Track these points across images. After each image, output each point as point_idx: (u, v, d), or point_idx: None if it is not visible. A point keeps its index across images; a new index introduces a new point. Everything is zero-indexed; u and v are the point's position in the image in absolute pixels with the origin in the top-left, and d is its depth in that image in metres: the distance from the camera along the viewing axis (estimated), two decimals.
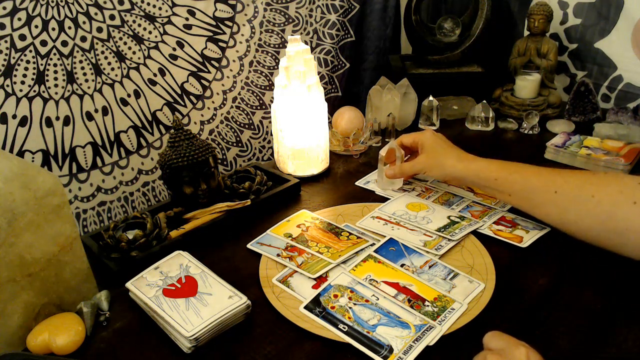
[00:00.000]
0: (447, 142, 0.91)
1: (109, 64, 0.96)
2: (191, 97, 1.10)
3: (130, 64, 0.99)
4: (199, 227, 0.86)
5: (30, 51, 0.87)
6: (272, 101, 1.07)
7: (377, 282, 0.73)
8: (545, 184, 0.74)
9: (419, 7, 1.35)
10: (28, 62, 0.87)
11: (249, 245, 0.84)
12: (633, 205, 0.65)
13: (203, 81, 1.11)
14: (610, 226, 0.68)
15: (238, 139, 1.22)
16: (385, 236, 0.84)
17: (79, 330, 0.65)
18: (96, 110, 0.97)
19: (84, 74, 0.94)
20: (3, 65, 0.85)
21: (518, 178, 0.77)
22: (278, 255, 0.80)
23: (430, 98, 1.26)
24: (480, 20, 1.31)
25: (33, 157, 0.91)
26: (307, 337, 0.65)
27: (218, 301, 0.67)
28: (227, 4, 1.09)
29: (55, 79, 0.90)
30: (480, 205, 0.93)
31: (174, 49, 1.05)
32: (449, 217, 0.88)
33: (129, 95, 1.01)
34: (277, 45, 1.20)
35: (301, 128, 1.02)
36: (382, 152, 0.97)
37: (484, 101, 1.27)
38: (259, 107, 1.23)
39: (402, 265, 0.76)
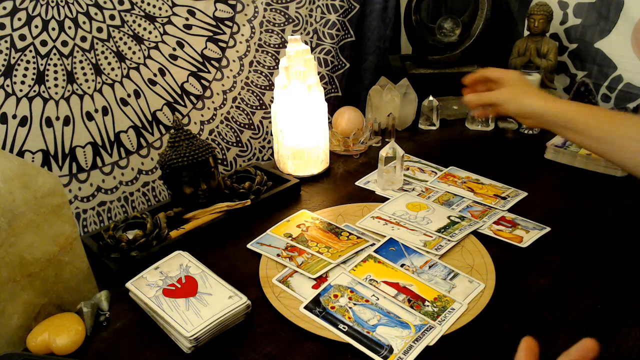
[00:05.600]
0: (532, 84, 0.91)
1: (109, 64, 0.96)
2: (191, 97, 1.10)
3: (130, 64, 0.99)
4: (199, 227, 0.86)
5: (30, 51, 0.87)
6: (272, 101, 1.07)
7: (377, 282, 0.73)
8: (616, 129, 0.75)
9: (419, 7, 1.35)
10: (28, 62, 0.87)
11: (249, 245, 0.84)
12: None
13: (203, 81, 1.11)
14: None
15: (238, 139, 1.22)
16: (385, 236, 0.84)
17: (79, 330, 0.65)
18: (96, 110, 0.97)
19: (84, 74, 0.94)
20: (3, 65, 0.85)
21: (594, 123, 0.77)
22: (278, 255, 0.80)
23: (430, 98, 1.26)
24: (480, 20, 1.31)
25: (33, 157, 0.91)
26: (307, 337, 0.65)
27: (218, 301, 0.67)
28: (227, 4, 1.09)
29: (55, 79, 0.90)
30: (480, 205, 0.93)
31: (174, 49, 1.05)
32: (449, 217, 0.88)
33: (129, 95, 1.01)
34: (277, 45, 1.20)
35: (301, 128, 1.02)
36: (382, 153, 0.97)
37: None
38: (259, 107, 1.23)
39: (402, 265, 0.76)
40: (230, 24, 1.11)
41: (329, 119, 1.08)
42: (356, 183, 1.04)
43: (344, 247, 0.81)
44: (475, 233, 0.84)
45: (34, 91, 0.89)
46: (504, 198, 0.95)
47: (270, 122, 1.24)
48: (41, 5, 0.86)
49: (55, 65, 0.90)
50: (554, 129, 0.84)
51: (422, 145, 1.22)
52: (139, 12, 0.98)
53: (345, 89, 1.38)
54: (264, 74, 1.21)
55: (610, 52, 1.26)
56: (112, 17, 0.94)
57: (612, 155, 0.77)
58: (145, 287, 0.71)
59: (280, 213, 0.93)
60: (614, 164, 0.80)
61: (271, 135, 1.18)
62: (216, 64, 1.12)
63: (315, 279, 0.74)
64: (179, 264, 0.75)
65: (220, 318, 0.65)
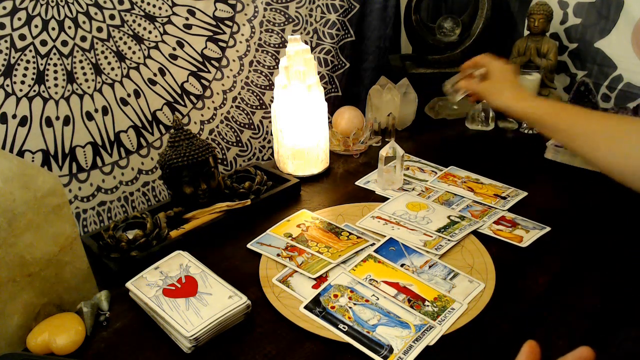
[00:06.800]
0: (512, 77, 0.91)
1: (109, 63, 0.96)
2: (191, 96, 1.10)
3: (130, 63, 0.99)
4: (199, 227, 0.86)
5: (30, 51, 0.87)
6: (272, 101, 1.07)
7: (377, 282, 0.73)
8: (586, 129, 0.75)
9: (419, 7, 1.35)
10: (28, 62, 0.87)
11: (249, 245, 0.84)
12: None
13: (203, 81, 1.11)
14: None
15: (238, 138, 1.22)
16: (385, 236, 0.84)
17: (79, 330, 0.65)
18: (96, 110, 0.97)
19: (84, 74, 0.94)
20: (3, 65, 0.85)
21: (564, 121, 0.78)
22: (278, 255, 0.80)
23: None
24: (480, 20, 1.31)
25: (33, 157, 0.91)
26: (307, 337, 0.65)
27: (218, 301, 0.67)
28: (227, 4, 1.09)
29: (55, 78, 0.90)
30: (480, 204, 0.93)
31: (174, 49, 1.04)
32: (449, 217, 0.88)
33: (129, 95, 1.01)
34: (277, 45, 1.20)
35: (301, 128, 1.02)
36: (382, 152, 0.97)
37: (484, 100, 1.26)
38: (259, 107, 1.23)
39: (402, 265, 0.76)
40: (230, 23, 1.11)
41: (329, 118, 1.08)
42: (356, 183, 1.04)
43: (344, 247, 0.81)
44: (475, 233, 0.84)
45: (34, 91, 0.88)
46: (504, 198, 0.95)
47: (270, 122, 1.24)
48: (41, 5, 0.85)
49: (55, 65, 0.90)
50: (530, 124, 0.94)
51: (422, 145, 1.22)
52: (139, 11, 0.98)
53: (345, 88, 1.38)
54: (264, 73, 1.21)
55: (610, 51, 1.26)
56: (112, 17, 0.94)
57: (585, 152, 0.75)
58: (145, 287, 0.71)
59: (280, 213, 0.93)
60: (588, 162, 0.77)
61: (271, 135, 1.18)
62: (216, 64, 1.12)
63: (315, 279, 0.74)
64: (179, 263, 0.75)
65: (220, 318, 0.65)
